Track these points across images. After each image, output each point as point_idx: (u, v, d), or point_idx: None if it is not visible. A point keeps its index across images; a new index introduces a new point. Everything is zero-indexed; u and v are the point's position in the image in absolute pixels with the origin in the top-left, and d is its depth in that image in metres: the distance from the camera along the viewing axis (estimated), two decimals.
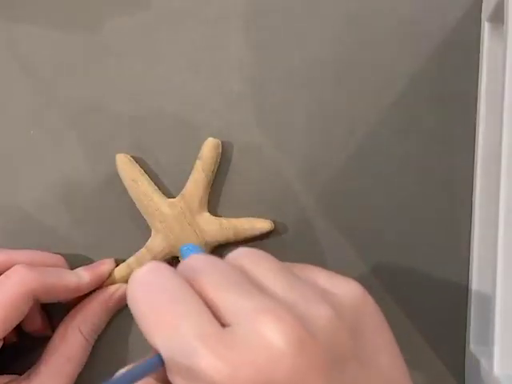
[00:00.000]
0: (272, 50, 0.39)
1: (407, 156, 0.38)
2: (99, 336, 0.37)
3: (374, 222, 0.38)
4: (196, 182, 0.38)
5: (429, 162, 0.38)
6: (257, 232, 0.37)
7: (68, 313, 0.36)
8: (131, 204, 0.38)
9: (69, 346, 0.35)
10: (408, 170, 0.38)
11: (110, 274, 0.37)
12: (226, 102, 0.39)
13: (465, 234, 0.37)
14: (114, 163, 0.38)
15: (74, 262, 0.37)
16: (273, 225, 0.37)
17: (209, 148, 0.38)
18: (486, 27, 0.37)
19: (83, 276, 0.36)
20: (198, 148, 0.38)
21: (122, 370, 0.22)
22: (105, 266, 0.37)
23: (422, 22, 0.39)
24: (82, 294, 0.36)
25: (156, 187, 0.38)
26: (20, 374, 0.35)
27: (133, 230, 0.39)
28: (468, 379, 0.36)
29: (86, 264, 0.37)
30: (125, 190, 0.38)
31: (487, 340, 0.32)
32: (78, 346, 0.35)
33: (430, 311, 0.37)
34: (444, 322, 0.37)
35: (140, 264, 0.37)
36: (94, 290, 0.37)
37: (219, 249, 0.38)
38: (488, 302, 0.31)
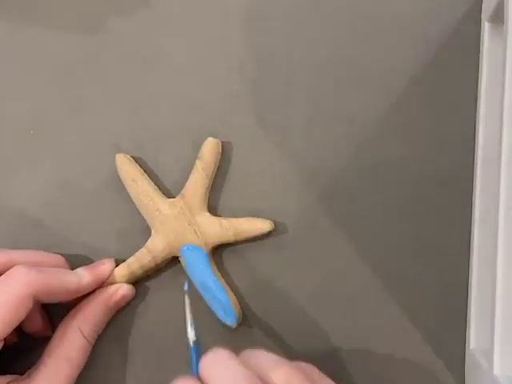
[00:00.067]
0: (272, 50, 0.39)
1: (407, 156, 0.38)
2: (99, 336, 0.37)
3: (373, 222, 0.38)
4: (196, 182, 0.38)
5: (429, 162, 0.38)
6: (257, 232, 0.37)
7: (68, 313, 0.36)
8: (131, 204, 0.38)
9: (69, 346, 0.35)
10: (408, 170, 0.38)
11: (110, 274, 0.37)
12: (226, 102, 0.39)
13: (465, 234, 0.37)
14: (113, 163, 0.38)
15: (74, 262, 0.37)
16: (273, 225, 0.37)
17: (209, 148, 0.38)
18: (485, 27, 0.37)
19: (84, 276, 0.36)
20: (198, 148, 0.38)
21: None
22: (105, 265, 0.37)
23: (421, 22, 0.39)
24: (82, 294, 0.36)
25: (156, 187, 0.38)
26: (21, 375, 0.35)
27: (133, 230, 0.39)
28: (468, 379, 0.36)
29: (86, 264, 0.37)
30: (125, 190, 0.38)
31: (487, 340, 0.32)
32: (77, 346, 0.35)
33: (429, 311, 0.37)
34: (444, 322, 0.37)
35: (140, 264, 0.37)
36: (94, 290, 0.37)
37: (219, 249, 0.38)
38: (488, 302, 0.31)
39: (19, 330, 0.36)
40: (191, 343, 0.32)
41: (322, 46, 0.39)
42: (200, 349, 0.32)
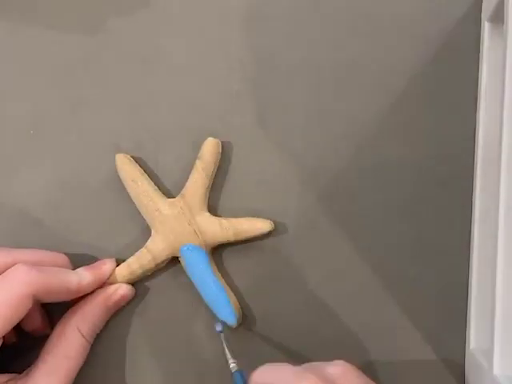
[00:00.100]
0: (272, 50, 0.39)
1: (407, 156, 0.38)
2: (98, 336, 0.37)
3: (373, 222, 0.38)
4: (196, 182, 0.38)
5: (429, 162, 0.38)
6: (257, 232, 0.37)
7: (67, 311, 0.36)
8: (131, 204, 0.38)
9: (67, 345, 0.35)
10: (408, 170, 0.38)
11: (111, 274, 0.37)
12: (226, 102, 0.39)
13: (465, 234, 0.37)
14: (113, 163, 0.38)
15: (74, 262, 0.37)
16: (273, 225, 0.37)
17: (209, 148, 0.38)
18: (485, 27, 0.37)
19: (84, 276, 0.36)
20: (198, 148, 0.38)
21: None
22: (106, 265, 0.37)
23: (421, 22, 0.39)
24: (83, 293, 0.36)
25: (156, 187, 0.38)
26: (19, 374, 0.35)
27: (133, 230, 0.39)
28: (468, 379, 0.36)
29: (87, 264, 0.37)
30: (125, 190, 0.38)
31: (487, 340, 0.32)
32: (76, 345, 0.35)
33: (430, 311, 0.37)
34: (444, 322, 0.37)
35: (140, 264, 0.37)
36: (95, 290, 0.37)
37: (219, 249, 0.38)
38: (488, 302, 0.31)
39: (18, 330, 0.36)
40: (233, 370, 0.33)
41: (322, 46, 0.39)
42: (244, 374, 0.33)
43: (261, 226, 0.37)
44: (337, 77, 0.39)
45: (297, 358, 0.37)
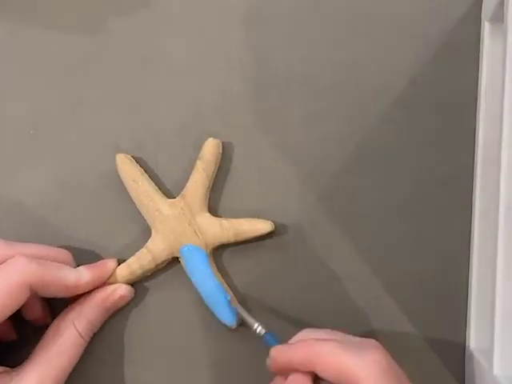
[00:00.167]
0: (272, 50, 0.39)
1: (407, 156, 0.38)
2: (98, 336, 0.37)
3: (373, 222, 0.38)
4: (196, 183, 0.38)
5: (429, 162, 0.38)
6: (257, 233, 0.37)
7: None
8: (131, 204, 0.38)
9: (62, 340, 0.35)
10: (408, 170, 0.38)
11: (112, 274, 0.37)
12: (226, 102, 0.39)
13: (465, 233, 0.38)
14: (114, 163, 0.38)
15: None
16: (273, 226, 0.37)
17: (209, 148, 0.38)
18: (486, 27, 0.37)
19: (84, 274, 0.36)
20: (198, 148, 0.38)
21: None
22: (107, 265, 0.37)
23: (421, 22, 0.39)
24: (82, 291, 0.36)
25: (156, 187, 0.38)
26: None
27: (133, 230, 0.39)
28: (468, 379, 0.36)
29: (87, 264, 0.37)
30: (125, 190, 0.38)
31: (487, 340, 0.32)
32: (71, 340, 0.35)
33: (430, 311, 0.37)
34: (444, 321, 0.37)
35: (140, 264, 0.37)
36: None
37: (219, 249, 0.38)
38: (488, 302, 0.32)
39: (18, 328, 0.37)
40: (262, 333, 0.34)
41: (322, 46, 0.39)
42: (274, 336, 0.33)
43: (261, 226, 0.37)
44: (337, 77, 0.39)
45: None
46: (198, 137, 0.38)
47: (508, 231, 0.30)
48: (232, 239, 0.37)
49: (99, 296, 0.36)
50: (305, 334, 0.33)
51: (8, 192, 0.39)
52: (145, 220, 0.38)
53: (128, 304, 0.38)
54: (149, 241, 0.37)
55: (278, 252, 0.38)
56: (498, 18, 0.35)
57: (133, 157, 0.39)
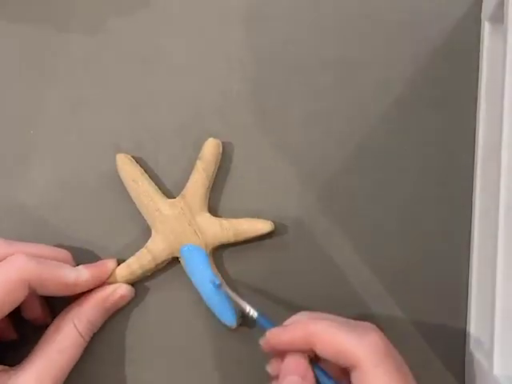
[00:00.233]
0: (272, 50, 0.39)
1: (407, 156, 0.38)
2: (98, 336, 0.37)
3: (373, 223, 0.38)
4: (196, 183, 0.38)
5: (429, 162, 0.38)
6: (257, 233, 0.37)
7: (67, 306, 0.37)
8: (131, 204, 0.38)
9: (62, 339, 0.35)
10: (408, 171, 0.38)
11: (111, 274, 0.37)
12: (226, 102, 0.39)
13: (465, 233, 0.38)
14: (114, 163, 0.38)
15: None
16: (273, 226, 0.37)
17: (209, 148, 0.38)
18: (486, 27, 0.37)
19: (83, 273, 0.36)
20: (198, 148, 0.38)
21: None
22: (107, 265, 0.37)
23: (422, 22, 0.39)
24: (81, 290, 0.36)
25: (156, 187, 0.38)
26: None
27: (133, 230, 0.39)
28: (468, 379, 0.36)
29: (86, 264, 0.37)
30: (125, 190, 0.38)
31: (487, 340, 0.32)
32: (70, 340, 0.35)
33: (429, 311, 0.37)
34: (444, 322, 0.37)
35: (140, 264, 0.37)
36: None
37: (219, 249, 0.38)
38: (488, 302, 0.32)
39: (17, 328, 0.37)
40: (255, 316, 0.34)
41: (322, 46, 0.39)
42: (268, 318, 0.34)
43: (261, 226, 0.37)
44: (337, 77, 0.39)
45: None
46: (198, 137, 0.38)
47: (508, 231, 0.30)
48: (232, 239, 0.37)
49: (99, 296, 0.36)
50: (300, 316, 0.33)
51: (8, 192, 0.39)
52: (145, 220, 0.38)
53: (128, 304, 0.38)
54: (149, 241, 0.37)
55: (278, 252, 0.38)
56: (498, 18, 0.35)
57: (133, 157, 0.39)
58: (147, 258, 0.37)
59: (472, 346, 0.36)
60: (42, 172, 0.39)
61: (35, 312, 0.36)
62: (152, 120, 0.39)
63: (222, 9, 0.40)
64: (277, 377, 0.32)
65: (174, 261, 0.38)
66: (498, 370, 0.30)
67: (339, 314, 0.37)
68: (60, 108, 0.40)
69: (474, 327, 0.36)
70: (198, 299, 0.37)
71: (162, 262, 0.37)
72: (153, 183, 0.38)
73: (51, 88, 0.40)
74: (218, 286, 0.35)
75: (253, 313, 0.34)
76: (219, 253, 0.38)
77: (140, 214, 0.38)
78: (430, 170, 0.38)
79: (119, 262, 0.37)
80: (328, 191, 0.38)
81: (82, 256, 0.38)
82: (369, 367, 0.29)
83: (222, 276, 0.38)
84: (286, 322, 0.33)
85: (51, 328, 0.35)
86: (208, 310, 0.37)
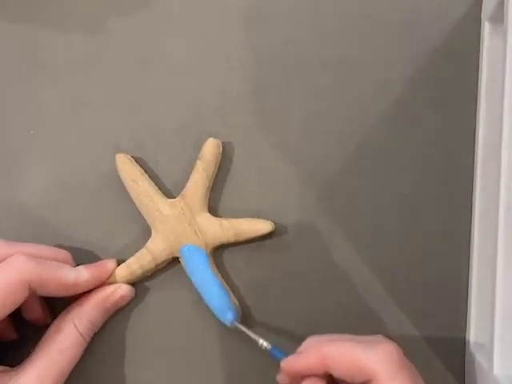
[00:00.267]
0: (272, 50, 0.39)
1: (407, 156, 0.38)
2: (99, 336, 0.37)
3: (373, 223, 0.38)
4: (196, 183, 0.38)
5: (429, 162, 0.38)
6: (257, 233, 0.37)
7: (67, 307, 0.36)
8: (131, 204, 0.38)
9: (62, 340, 0.35)
10: (408, 171, 0.38)
11: (111, 274, 0.37)
12: (226, 102, 0.39)
13: (465, 233, 0.38)
14: (114, 163, 0.38)
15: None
16: (273, 226, 0.37)
17: (209, 148, 0.38)
18: (486, 27, 0.37)
19: (83, 273, 0.36)
20: (198, 148, 0.38)
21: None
22: (107, 265, 0.37)
23: (422, 22, 0.39)
24: (81, 291, 0.36)
25: (156, 187, 0.38)
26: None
27: (133, 230, 0.39)
28: (468, 379, 0.36)
29: (86, 264, 0.37)
30: (125, 190, 0.38)
31: (487, 340, 0.32)
32: (71, 340, 0.35)
33: (430, 311, 0.37)
34: (444, 322, 0.37)
35: (140, 264, 0.37)
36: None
37: (219, 249, 0.38)
38: (488, 302, 0.32)
39: (17, 327, 0.37)
40: (268, 347, 0.34)
41: (322, 46, 0.39)
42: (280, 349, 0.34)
43: (261, 226, 0.37)
44: (337, 77, 0.39)
45: None
46: (198, 137, 0.38)
47: (508, 231, 0.30)
48: (232, 239, 0.37)
49: (100, 296, 0.36)
50: (311, 341, 0.33)
51: (8, 192, 0.39)
52: (145, 220, 0.38)
53: (128, 304, 0.38)
54: (149, 241, 0.37)
55: (278, 252, 0.38)
56: (498, 18, 0.35)
57: (133, 157, 0.39)
58: (147, 258, 0.37)
59: (472, 346, 0.36)
60: (42, 172, 0.39)
61: (35, 312, 0.36)
62: (152, 120, 0.39)
63: (222, 9, 0.40)
64: None
65: (174, 261, 0.38)
66: (498, 370, 0.30)
67: (339, 314, 0.37)
68: (60, 108, 0.40)
69: (473, 327, 0.36)
70: (198, 299, 0.37)
71: (162, 262, 0.37)
72: (153, 183, 0.38)
73: (51, 88, 0.40)
74: (231, 322, 0.36)
75: (266, 345, 0.34)
76: (219, 253, 0.38)
77: (140, 214, 0.38)
78: (430, 170, 0.38)
79: (119, 262, 0.37)
80: (328, 191, 0.38)
81: (82, 256, 0.38)
82: (385, 380, 0.29)
83: (222, 276, 0.38)
84: (299, 350, 0.33)
85: (51, 328, 0.35)
86: (208, 309, 0.37)
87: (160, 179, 0.39)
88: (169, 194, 0.39)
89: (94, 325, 0.36)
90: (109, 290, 0.37)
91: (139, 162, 0.39)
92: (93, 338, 0.36)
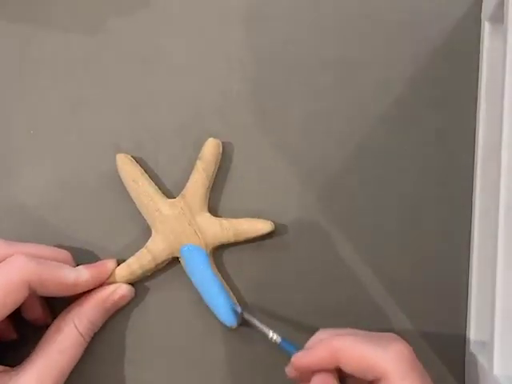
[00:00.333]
0: (272, 50, 0.39)
1: (407, 156, 0.38)
2: (99, 336, 0.37)
3: (373, 223, 0.38)
4: (196, 183, 0.38)
5: (429, 162, 0.38)
6: (257, 233, 0.37)
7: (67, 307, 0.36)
8: (131, 204, 0.38)
9: (62, 339, 0.35)
10: (408, 171, 0.38)
11: (111, 274, 0.37)
12: (226, 102, 0.39)
13: (465, 233, 0.37)
14: (114, 163, 0.38)
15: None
16: (273, 226, 0.37)
17: (209, 148, 0.38)
18: (486, 27, 0.37)
19: (83, 273, 0.36)
20: (198, 148, 0.38)
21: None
22: (107, 265, 0.37)
23: (422, 22, 0.39)
24: (81, 291, 0.36)
25: (156, 187, 0.38)
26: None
27: (133, 230, 0.39)
28: (468, 379, 0.36)
29: (86, 264, 0.37)
30: (125, 190, 0.38)
31: (487, 340, 0.32)
32: (71, 340, 0.35)
33: (430, 311, 0.37)
34: (444, 322, 0.37)
35: (140, 264, 0.37)
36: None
37: (219, 249, 0.38)
38: (488, 302, 0.31)
39: (17, 327, 0.37)
40: (278, 341, 0.34)
41: (322, 46, 0.39)
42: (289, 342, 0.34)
43: (261, 226, 0.37)
44: (337, 77, 0.39)
45: None
46: (198, 137, 0.38)
47: (508, 231, 0.30)
48: (232, 239, 0.37)
49: (100, 296, 0.36)
50: (321, 335, 0.33)
51: (8, 192, 0.39)
52: (145, 220, 0.38)
53: (128, 304, 0.38)
54: (149, 241, 0.37)
55: (278, 252, 0.38)
56: (498, 18, 0.35)
57: (133, 157, 0.39)
58: (147, 258, 0.37)
59: (472, 346, 0.36)
60: (42, 172, 0.39)
61: (35, 312, 0.36)
62: (152, 120, 0.39)
63: (222, 9, 0.40)
64: None
65: (174, 261, 0.38)
66: (498, 370, 0.30)
67: (339, 314, 0.37)
68: (60, 108, 0.40)
69: (473, 327, 0.36)
70: (198, 299, 0.37)
71: (162, 262, 0.37)
72: (153, 183, 0.38)
73: (51, 88, 0.40)
74: (240, 315, 0.36)
75: (276, 338, 0.34)
76: (219, 253, 0.38)
77: (140, 214, 0.38)
78: (430, 170, 0.38)
79: (119, 262, 0.37)
80: (328, 191, 0.38)
81: (82, 256, 0.38)
82: (395, 380, 0.29)
83: (222, 276, 0.38)
84: (308, 343, 0.33)
85: (51, 328, 0.35)
86: (208, 309, 0.37)
87: (160, 179, 0.39)
88: (169, 194, 0.39)
89: (94, 325, 0.36)
90: (108, 289, 0.37)
91: (139, 161, 0.39)
92: (93, 338, 0.36)
